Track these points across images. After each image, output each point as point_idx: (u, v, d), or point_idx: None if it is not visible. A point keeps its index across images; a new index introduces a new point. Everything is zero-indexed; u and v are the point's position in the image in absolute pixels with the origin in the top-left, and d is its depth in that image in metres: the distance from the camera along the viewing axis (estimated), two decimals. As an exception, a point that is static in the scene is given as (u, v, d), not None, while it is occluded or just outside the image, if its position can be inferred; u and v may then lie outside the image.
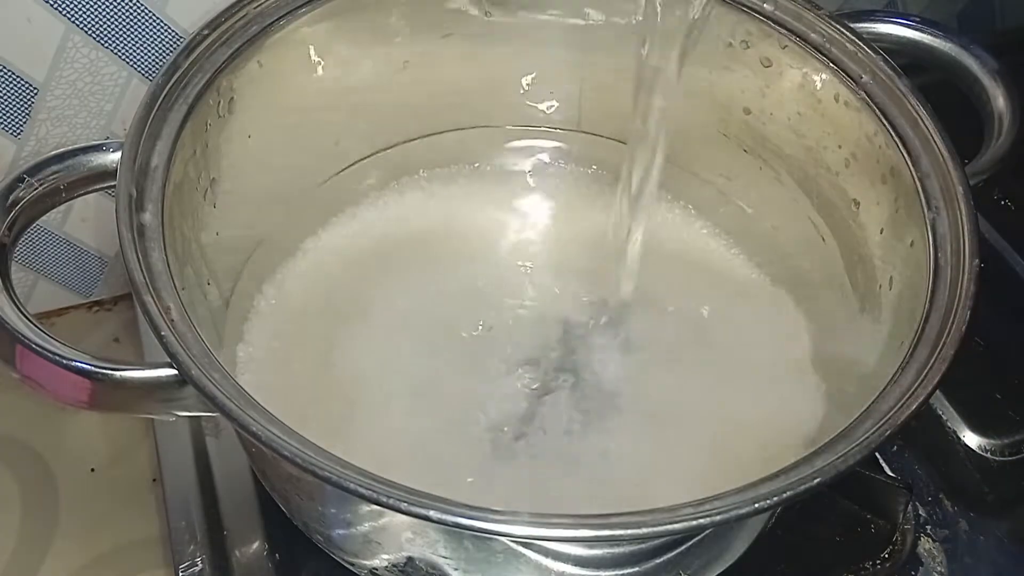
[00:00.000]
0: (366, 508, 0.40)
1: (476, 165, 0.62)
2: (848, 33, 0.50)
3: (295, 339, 0.53)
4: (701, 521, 0.35)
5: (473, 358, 0.53)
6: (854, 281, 0.51)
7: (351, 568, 0.47)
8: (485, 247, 0.59)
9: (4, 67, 0.53)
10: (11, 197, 0.43)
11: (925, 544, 0.52)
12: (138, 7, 0.54)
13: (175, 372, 0.38)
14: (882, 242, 0.49)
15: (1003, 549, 0.52)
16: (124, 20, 0.54)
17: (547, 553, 0.39)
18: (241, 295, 0.53)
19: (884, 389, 0.40)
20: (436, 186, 0.61)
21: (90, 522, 0.56)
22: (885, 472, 0.54)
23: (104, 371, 0.40)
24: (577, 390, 0.52)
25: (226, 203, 0.49)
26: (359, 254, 0.57)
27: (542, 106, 0.60)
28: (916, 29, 0.53)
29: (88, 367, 0.40)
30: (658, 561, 0.42)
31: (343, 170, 0.58)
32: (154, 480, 0.58)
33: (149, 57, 0.56)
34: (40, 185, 0.43)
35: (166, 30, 0.55)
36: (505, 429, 0.51)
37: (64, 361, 0.39)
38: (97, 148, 0.45)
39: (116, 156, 0.44)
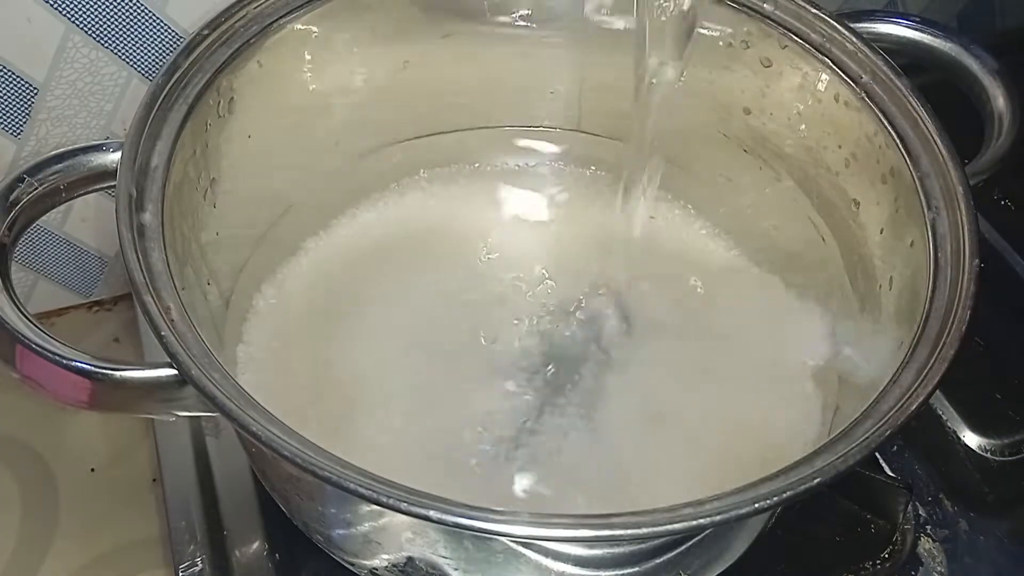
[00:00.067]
0: (366, 508, 0.40)
1: (476, 165, 0.62)
2: (848, 33, 0.50)
3: (295, 339, 0.53)
4: (701, 521, 0.35)
5: (473, 358, 0.53)
6: (854, 281, 0.51)
7: (351, 568, 0.47)
8: (485, 247, 0.59)
9: (4, 67, 0.53)
10: (11, 197, 0.43)
11: (925, 544, 0.52)
12: (138, 7, 0.54)
13: (175, 372, 0.38)
14: (882, 242, 0.49)
15: (1003, 549, 0.52)
16: (124, 20, 0.54)
17: (547, 553, 0.39)
18: (241, 295, 0.53)
19: (884, 389, 0.40)
20: (436, 186, 0.61)
21: (90, 522, 0.56)
22: (885, 472, 0.54)
23: (104, 371, 0.40)
24: (577, 390, 0.52)
25: (226, 203, 0.49)
26: (359, 254, 0.57)
27: (542, 106, 0.60)
28: (916, 29, 0.53)
29: (88, 367, 0.40)
30: (658, 561, 0.42)
31: (343, 170, 0.58)
32: (154, 480, 0.58)
33: (149, 57, 0.56)
34: (40, 185, 0.43)
35: (166, 30, 0.55)
36: (505, 428, 0.51)
37: (64, 361, 0.39)
38: (97, 148, 0.45)
39: (116, 156, 0.44)
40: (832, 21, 0.50)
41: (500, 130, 0.61)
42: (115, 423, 0.60)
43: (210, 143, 0.48)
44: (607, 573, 0.43)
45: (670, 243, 0.59)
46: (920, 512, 0.53)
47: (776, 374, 0.53)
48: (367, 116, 0.57)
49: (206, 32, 0.47)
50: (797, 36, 0.51)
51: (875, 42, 0.50)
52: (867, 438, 0.37)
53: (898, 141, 0.47)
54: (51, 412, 0.60)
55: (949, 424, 0.56)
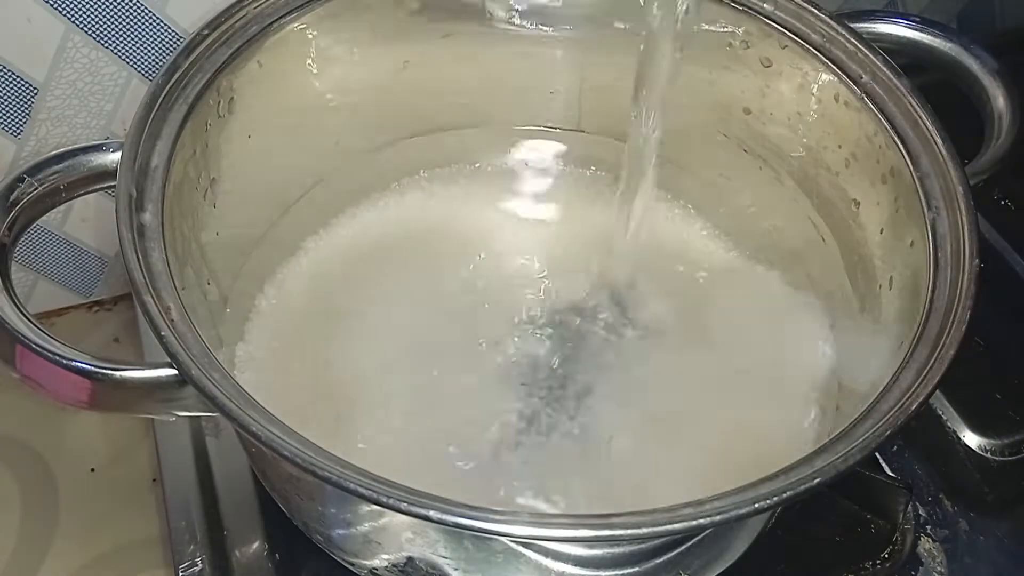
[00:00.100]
0: (366, 508, 0.40)
1: (476, 165, 0.62)
2: (848, 33, 0.50)
3: (295, 339, 0.53)
4: (701, 521, 0.35)
5: (473, 358, 0.53)
6: (854, 281, 0.51)
7: (351, 568, 0.47)
8: (485, 247, 0.58)
9: (4, 67, 0.53)
10: (11, 197, 0.43)
11: (925, 544, 0.52)
12: (138, 7, 0.54)
13: (175, 372, 0.38)
14: (882, 242, 0.49)
15: (1003, 549, 0.52)
16: (124, 20, 0.54)
17: (547, 553, 0.39)
18: (241, 295, 0.53)
19: (884, 389, 0.40)
20: (436, 186, 0.61)
21: (90, 522, 0.56)
22: (885, 472, 0.54)
23: (104, 371, 0.40)
24: (577, 389, 0.52)
25: (226, 203, 0.49)
26: (359, 254, 0.57)
27: (542, 106, 0.60)
28: (916, 29, 0.53)
29: (88, 367, 0.40)
30: (658, 561, 0.42)
31: (343, 170, 0.58)
32: (154, 480, 0.58)
33: (149, 57, 0.56)
34: (40, 185, 0.43)
35: (166, 30, 0.55)
36: (505, 428, 0.51)
37: (64, 361, 0.39)
38: (97, 148, 0.45)
39: (116, 156, 0.44)
40: (832, 21, 0.50)
41: (500, 130, 0.61)
42: (115, 423, 0.60)
43: (210, 143, 0.48)
44: (607, 573, 0.43)
45: (670, 243, 0.59)
46: (920, 512, 0.53)
47: (776, 374, 0.53)
48: (367, 116, 0.57)
49: (206, 32, 0.47)
50: (797, 36, 0.51)
51: (875, 42, 0.50)
52: (867, 438, 0.37)
53: (898, 141, 0.47)
54: (51, 412, 0.60)
55: (949, 424, 0.56)
